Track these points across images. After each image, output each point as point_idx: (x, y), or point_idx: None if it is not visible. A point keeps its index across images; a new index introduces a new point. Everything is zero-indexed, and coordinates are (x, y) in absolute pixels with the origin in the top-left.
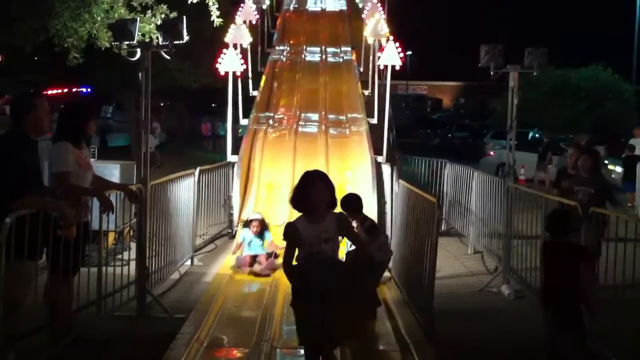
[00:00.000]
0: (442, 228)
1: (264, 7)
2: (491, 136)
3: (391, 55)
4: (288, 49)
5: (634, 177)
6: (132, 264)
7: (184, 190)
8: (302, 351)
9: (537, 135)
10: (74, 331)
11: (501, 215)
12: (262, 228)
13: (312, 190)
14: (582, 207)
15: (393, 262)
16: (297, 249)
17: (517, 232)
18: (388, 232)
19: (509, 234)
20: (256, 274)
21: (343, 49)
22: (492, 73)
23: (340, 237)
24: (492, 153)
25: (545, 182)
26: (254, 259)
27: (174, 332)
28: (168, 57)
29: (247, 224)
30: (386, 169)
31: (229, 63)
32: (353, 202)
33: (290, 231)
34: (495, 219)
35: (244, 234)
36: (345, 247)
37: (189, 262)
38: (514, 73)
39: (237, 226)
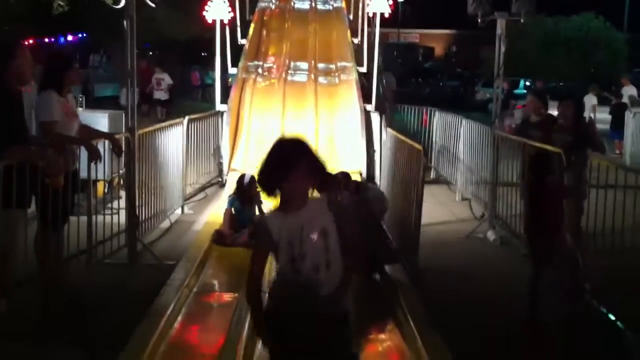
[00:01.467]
0: (431, 176)
1: None
2: (482, 85)
3: (380, 3)
4: None
5: (621, 126)
6: (122, 213)
7: (173, 140)
8: None
9: (527, 83)
10: (65, 280)
11: (488, 162)
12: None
13: (292, 174)
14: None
15: None
16: (274, 256)
17: (503, 180)
18: (377, 181)
19: (495, 181)
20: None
21: None
22: (479, 20)
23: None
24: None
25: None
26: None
27: (164, 279)
28: (153, 5)
29: (240, 189)
30: (375, 118)
31: (216, 11)
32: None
33: (260, 233)
34: (483, 167)
35: (233, 202)
36: None
37: (179, 211)
38: (501, 20)
39: (226, 175)
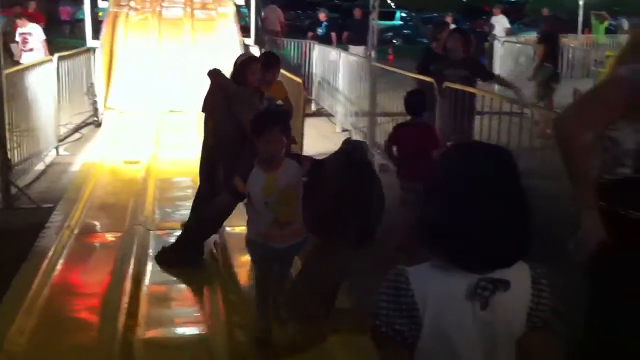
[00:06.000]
0: (312, 109)
1: None
2: None
3: None
4: None
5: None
6: None
7: (43, 79)
8: (176, 232)
9: (403, 14)
10: None
11: (366, 94)
12: None
13: None
14: (438, 85)
15: None
16: None
17: (382, 110)
18: None
19: (373, 111)
20: None
21: None
22: None
23: None
24: None
25: None
26: None
27: (43, 222)
28: None
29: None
30: (255, 51)
31: None
32: None
33: None
34: (361, 98)
35: None
36: None
37: (53, 152)
38: None
39: (102, 114)
